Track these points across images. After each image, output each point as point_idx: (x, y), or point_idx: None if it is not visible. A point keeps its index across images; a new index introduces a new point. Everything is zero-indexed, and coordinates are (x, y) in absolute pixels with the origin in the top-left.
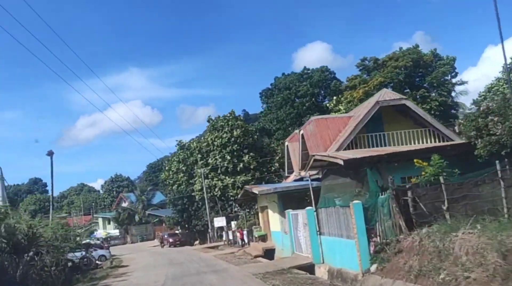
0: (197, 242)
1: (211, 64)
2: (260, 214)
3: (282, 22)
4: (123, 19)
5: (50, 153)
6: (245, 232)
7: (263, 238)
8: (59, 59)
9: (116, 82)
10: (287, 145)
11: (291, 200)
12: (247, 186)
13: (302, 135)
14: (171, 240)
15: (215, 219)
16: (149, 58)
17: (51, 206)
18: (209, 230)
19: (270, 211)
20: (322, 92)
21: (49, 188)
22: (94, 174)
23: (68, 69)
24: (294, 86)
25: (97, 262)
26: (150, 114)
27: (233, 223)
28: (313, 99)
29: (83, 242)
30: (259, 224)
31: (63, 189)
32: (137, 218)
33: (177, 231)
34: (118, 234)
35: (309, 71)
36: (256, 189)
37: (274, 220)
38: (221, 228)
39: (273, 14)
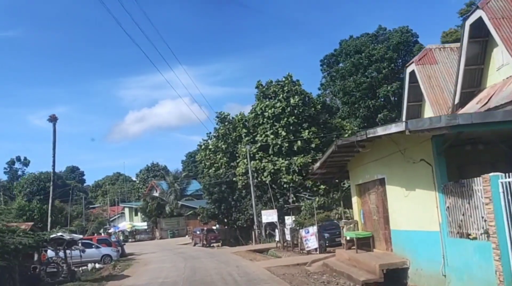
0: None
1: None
2: (356, 199)
3: None
4: (171, 18)
5: (53, 118)
6: (314, 230)
7: (364, 242)
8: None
9: (163, 79)
10: (410, 72)
11: (471, 157)
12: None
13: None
14: (204, 237)
15: (263, 212)
16: (196, 56)
17: (51, 186)
18: (255, 227)
19: (393, 189)
20: (402, 59)
21: (86, 176)
22: (138, 167)
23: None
24: (367, 49)
25: (75, 269)
26: (198, 111)
27: (287, 218)
28: (392, 65)
29: (52, 236)
30: (347, 217)
31: (98, 178)
32: (168, 209)
33: (213, 227)
34: (146, 227)
35: (385, 32)
36: (383, 129)
37: (412, 206)
38: (270, 225)
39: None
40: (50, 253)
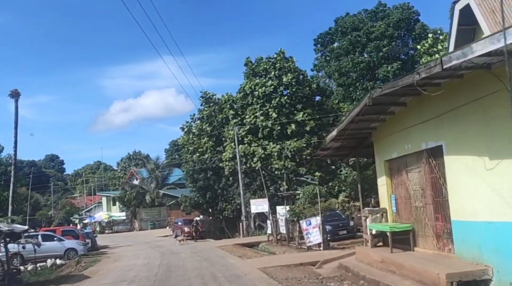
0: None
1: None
2: (385, 180)
3: None
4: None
5: (15, 94)
6: (317, 222)
7: (400, 238)
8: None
9: (149, 70)
10: (462, 9)
11: None
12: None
13: None
14: (186, 229)
15: (252, 201)
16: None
17: (13, 171)
18: (243, 218)
19: (459, 161)
20: (402, 38)
21: (66, 165)
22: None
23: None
24: (366, 26)
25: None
26: (183, 101)
27: (280, 209)
28: (393, 43)
29: None
30: (372, 204)
31: (78, 167)
32: (148, 198)
33: (197, 218)
34: (124, 217)
35: (385, 8)
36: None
37: (499, 185)
38: (260, 215)
39: None
40: None
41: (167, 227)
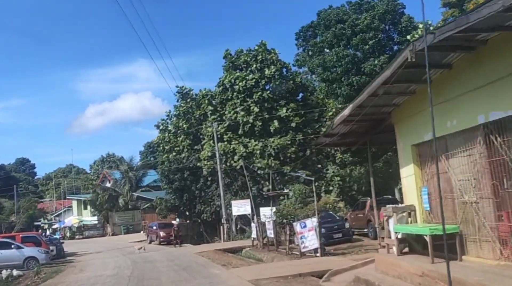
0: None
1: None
2: (414, 169)
3: None
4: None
5: None
6: (313, 224)
7: (438, 243)
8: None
9: (124, 73)
10: None
11: None
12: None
13: None
14: (162, 234)
15: (233, 202)
16: (157, 50)
17: None
18: (223, 221)
19: None
20: (387, 32)
21: (37, 169)
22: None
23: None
24: (350, 18)
25: None
26: (160, 105)
27: (264, 211)
28: (380, 35)
29: None
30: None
31: (50, 171)
32: (121, 202)
33: (174, 221)
34: (96, 222)
35: (370, 0)
36: None
37: None
38: (242, 218)
39: None
40: None
41: (142, 232)
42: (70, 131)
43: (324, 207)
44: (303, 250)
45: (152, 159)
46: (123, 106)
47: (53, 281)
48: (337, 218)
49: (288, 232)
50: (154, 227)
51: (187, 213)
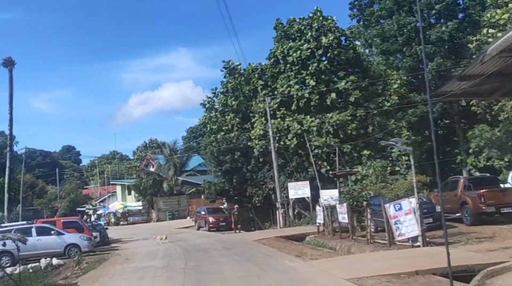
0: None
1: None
2: None
3: None
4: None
5: (8, 62)
6: (411, 206)
7: None
8: None
9: (165, 62)
10: None
11: None
12: None
13: None
14: (211, 219)
15: (290, 185)
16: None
17: (8, 153)
18: (278, 205)
19: None
20: None
21: (82, 156)
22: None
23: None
24: None
25: None
26: (201, 93)
27: (325, 193)
28: (448, 1)
29: None
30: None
31: (93, 158)
32: (166, 187)
33: (222, 206)
34: (140, 207)
35: None
36: None
37: None
38: (301, 202)
39: None
40: None
41: (188, 217)
42: (113, 121)
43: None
44: (398, 239)
45: (194, 144)
46: (165, 95)
47: (95, 273)
48: (425, 200)
49: (369, 217)
50: (203, 212)
51: (236, 197)
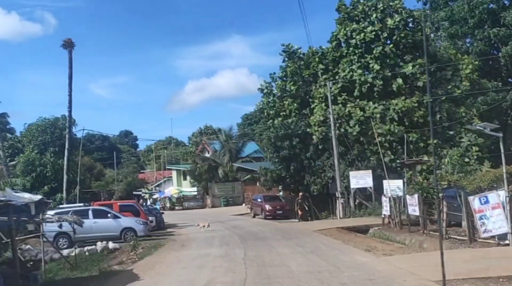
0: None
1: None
2: None
3: None
4: None
5: (68, 44)
6: (497, 200)
7: None
8: None
9: (220, 50)
10: None
11: None
12: None
13: None
14: (268, 207)
15: (351, 174)
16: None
17: (67, 135)
18: (338, 194)
19: None
20: None
21: (139, 140)
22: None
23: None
24: None
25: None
26: (256, 81)
27: (390, 183)
28: None
29: None
30: None
31: (151, 143)
32: (221, 172)
33: (278, 193)
34: (195, 193)
35: None
36: None
37: None
38: (362, 192)
39: None
40: None
41: (243, 205)
42: (169, 107)
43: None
44: (484, 235)
45: (250, 131)
46: (220, 82)
47: (151, 259)
48: None
49: (445, 210)
50: (259, 200)
51: (292, 186)
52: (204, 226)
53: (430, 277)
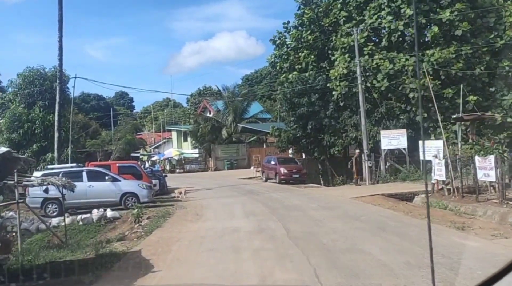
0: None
1: None
2: None
3: None
4: None
5: None
6: None
7: None
8: None
9: (217, 11)
10: None
11: None
12: None
13: None
14: (283, 170)
15: (382, 133)
16: None
17: (58, 83)
18: (365, 157)
19: None
20: None
21: (136, 103)
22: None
23: None
24: None
25: None
26: (255, 45)
27: (431, 145)
28: None
29: None
30: None
31: (147, 104)
32: (224, 134)
33: (290, 155)
34: (197, 155)
35: None
36: None
37: None
38: (393, 153)
39: None
40: None
41: (252, 168)
42: (167, 69)
43: None
44: None
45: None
46: (218, 45)
47: (162, 234)
48: None
49: None
50: (272, 163)
51: (309, 147)
52: (181, 193)
53: None
